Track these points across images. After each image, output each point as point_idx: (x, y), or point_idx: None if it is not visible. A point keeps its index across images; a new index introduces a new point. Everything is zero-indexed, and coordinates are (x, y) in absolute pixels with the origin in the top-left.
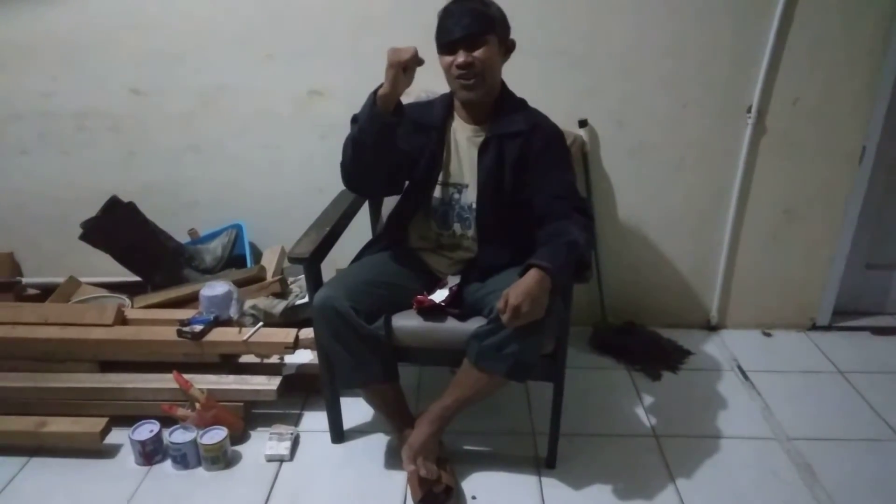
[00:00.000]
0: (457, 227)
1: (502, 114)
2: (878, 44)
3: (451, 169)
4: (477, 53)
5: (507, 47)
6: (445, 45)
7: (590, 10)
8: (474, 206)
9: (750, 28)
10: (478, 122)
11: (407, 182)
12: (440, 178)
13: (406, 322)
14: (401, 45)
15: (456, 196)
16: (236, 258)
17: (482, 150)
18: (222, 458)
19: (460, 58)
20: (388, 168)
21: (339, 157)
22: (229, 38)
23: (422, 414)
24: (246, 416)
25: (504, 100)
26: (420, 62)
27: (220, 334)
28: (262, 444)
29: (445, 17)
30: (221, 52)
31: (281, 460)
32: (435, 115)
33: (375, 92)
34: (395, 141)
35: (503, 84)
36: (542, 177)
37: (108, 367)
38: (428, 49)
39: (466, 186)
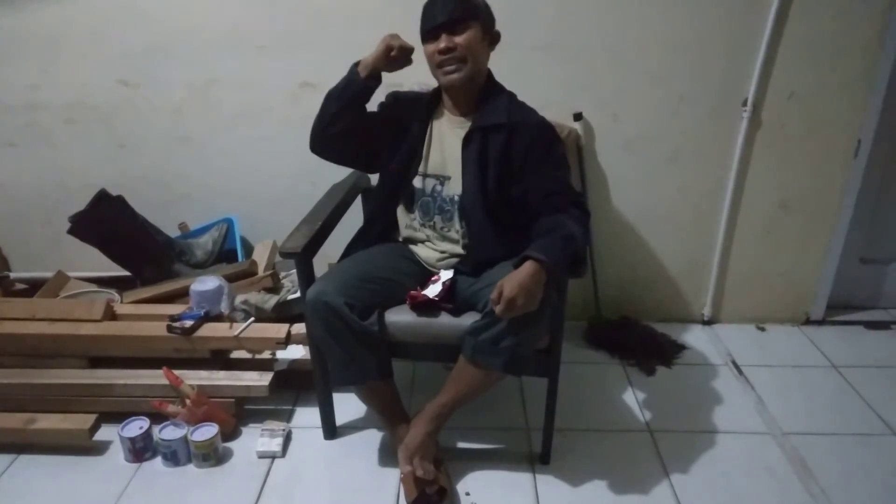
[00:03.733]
0: (437, 219)
1: (487, 106)
2: (873, 38)
3: (433, 160)
4: (459, 39)
5: (492, 38)
6: (429, 31)
7: (585, 2)
8: (457, 198)
9: (746, 21)
10: (463, 114)
11: (388, 172)
12: (420, 168)
13: (400, 317)
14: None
15: (438, 188)
16: (227, 252)
17: (466, 141)
18: (213, 455)
19: (442, 42)
20: (349, 127)
21: None
22: (220, 30)
23: (417, 413)
24: (237, 413)
25: (489, 91)
26: (409, 60)
27: (210, 330)
28: (254, 440)
29: (429, 5)
30: (212, 43)
31: (273, 457)
32: (420, 106)
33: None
34: (362, 106)
35: (490, 76)
36: (534, 174)
37: (97, 362)
38: (419, 44)
39: (449, 178)
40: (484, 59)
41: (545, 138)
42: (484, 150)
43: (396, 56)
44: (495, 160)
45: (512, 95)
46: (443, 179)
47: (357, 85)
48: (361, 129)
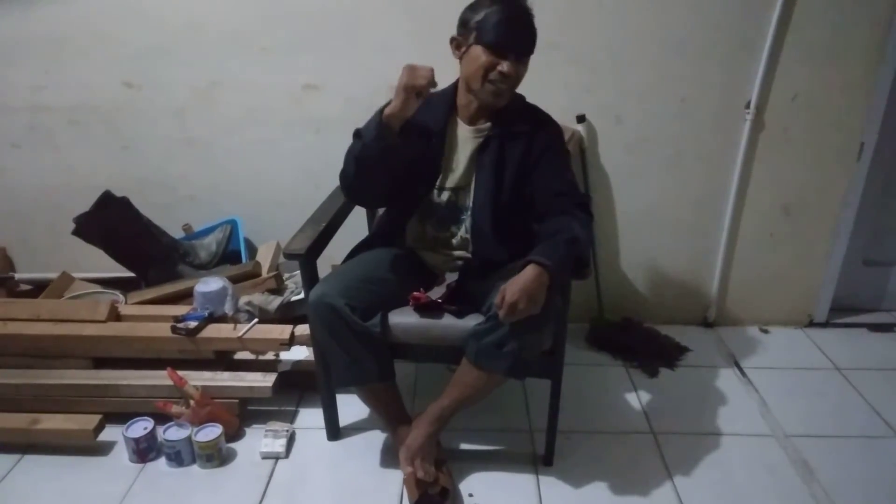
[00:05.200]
0: (453, 228)
1: (504, 113)
2: (877, 39)
3: (450, 171)
4: (521, 69)
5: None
6: (499, 46)
7: (588, 4)
8: (471, 205)
9: (749, 23)
10: (477, 121)
11: (407, 188)
12: (439, 182)
13: (402, 319)
14: (400, 45)
15: (452, 199)
16: (231, 254)
17: (481, 149)
18: (217, 456)
19: (507, 67)
20: (390, 182)
21: (335, 152)
22: (223, 31)
23: (419, 415)
24: (241, 414)
25: None
26: (434, 85)
27: (214, 331)
28: (258, 441)
29: (510, 21)
30: (215, 45)
31: (276, 458)
32: (437, 117)
33: (382, 110)
34: (399, 158)
35: None
36: (544, 174)
37: (101, 363)
38: (426, 45)
39: (464, 187)
40: None
41: (559, 141)
42: (500, 157)
43: (425, 93)
44: (514, 166)
45: (521, 98)
46: (457, 191)
47: (394, 147)
48: (398, 175)
